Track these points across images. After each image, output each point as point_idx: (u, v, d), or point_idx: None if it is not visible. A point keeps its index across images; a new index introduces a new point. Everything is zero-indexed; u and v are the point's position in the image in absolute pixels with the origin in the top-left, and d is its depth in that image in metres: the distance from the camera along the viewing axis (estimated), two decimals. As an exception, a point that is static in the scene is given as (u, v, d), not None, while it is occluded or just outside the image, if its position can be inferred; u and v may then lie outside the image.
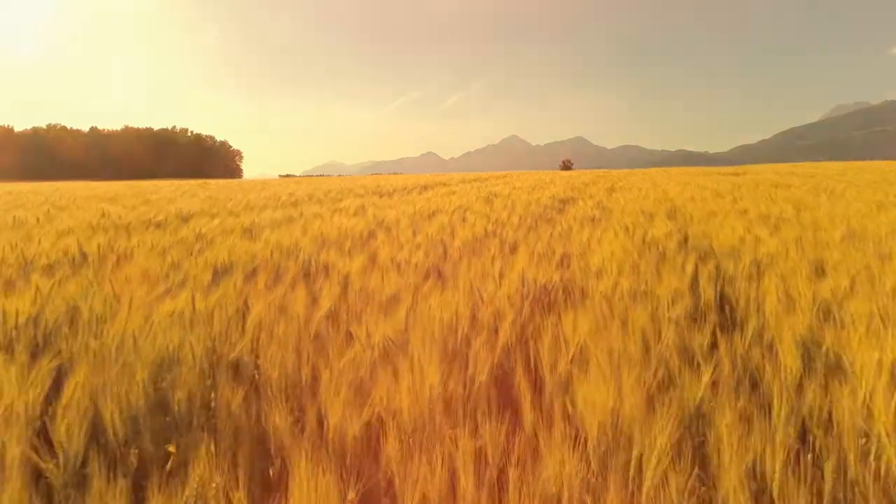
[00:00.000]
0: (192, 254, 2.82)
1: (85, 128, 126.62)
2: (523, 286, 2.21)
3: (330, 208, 5.46)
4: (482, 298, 1.93)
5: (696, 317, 1.92)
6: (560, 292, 2.29)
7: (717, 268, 2.43)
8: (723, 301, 2.06)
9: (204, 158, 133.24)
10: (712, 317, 1.83)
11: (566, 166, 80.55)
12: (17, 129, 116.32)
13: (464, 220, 4.44)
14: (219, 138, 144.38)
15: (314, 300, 1.97)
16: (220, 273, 2.54)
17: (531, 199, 6.51)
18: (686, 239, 3.35)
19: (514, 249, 3.26)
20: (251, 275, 2.47)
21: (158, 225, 4.21)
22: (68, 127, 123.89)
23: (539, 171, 44.67)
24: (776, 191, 7.02)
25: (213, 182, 21.64)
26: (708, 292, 1.99)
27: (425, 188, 9.84)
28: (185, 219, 4.56)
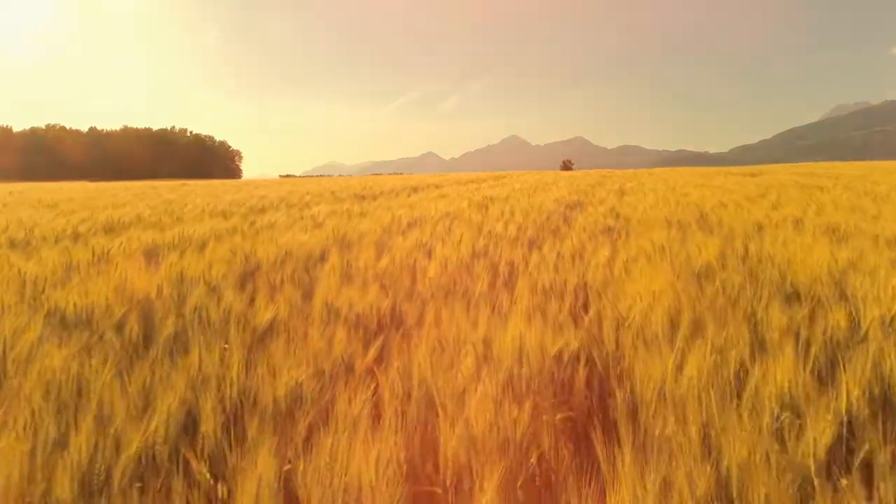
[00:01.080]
0: (40, 293, 1.95)
1: (84, 128, 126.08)
2: (522, 363, 1.33)
3: (294, 216, 4.60)
4: (446, 411, 1.06)
5: (851, 457, 1.04)
6: (583, 373, 1.41)
7: (826, 324, 1.55)
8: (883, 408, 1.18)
9: (203, 158, 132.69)
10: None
11: (567, 166, 79.62)
12: (17, 129, 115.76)
13: (449, 232, 3.57)
14: (218, 138, 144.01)
15: (146, 405, 1.11)
16: (54, 328, 1.67)
17: (532, 205, 5.64)
18: (743, 262, 2.48)
19: (509, 281, 2.39)
20: (97, 339, 1.60)
21: (59, 240, 3.36)
22: (67, 127, 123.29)
23: (540, 171, 43.79)
24: (813, 193, 6.15)
25: (193, 182, 20.75)
26: (851, 391, 1.12)
27: (415, 190, 8.95)
28: (105, 231, 3.71)
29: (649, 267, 2.32)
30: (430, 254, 2.72)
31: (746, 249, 2.71)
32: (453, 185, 10.56)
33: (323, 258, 2.76)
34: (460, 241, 3.14)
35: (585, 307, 2.10)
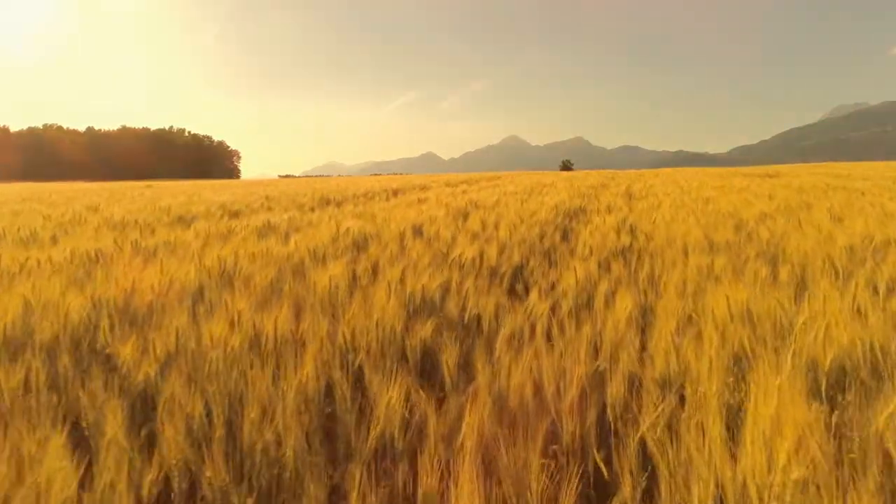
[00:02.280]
0: None
1: (83, 128, 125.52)
2: None
3: (214, 231, 3.52)
4: None
5: None
6: None
7: None
8: None
9: (202, 158, 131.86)
10: None
11: (566, 167, 78.47)
12: (15, 129, 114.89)
13: (397, 259, 2.50)
14: (217, 138, 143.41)
15: None
16: None
17: (524, 213, 4.57)
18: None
19: (458, 384, 1.31)
20: None
21: None
22: (65, 127, 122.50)
23: (538, 171, 42.64)
24: (863, 199, 5.08)
25: (159, 184, 19.56)
26: None
27: (395, 193, 7.83)
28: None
29: (723, 349, 1.24)
30: (335, 317, 1.65)
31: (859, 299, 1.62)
32: (441, 187, 9.44)
33: (164, 312, 1.68)
34: (402, 275, 2.06)
35: (607, 456, 1.03)
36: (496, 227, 3.78)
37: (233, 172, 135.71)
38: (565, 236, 3.63)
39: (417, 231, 3.53)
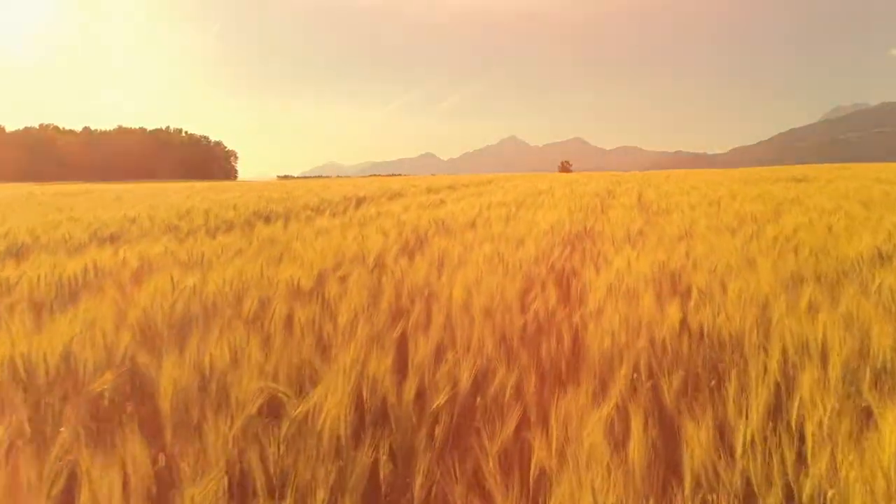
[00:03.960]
0: None
1: (80, 128, 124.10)
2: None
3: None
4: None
5: None
6: None
7: None
8: None
9: (199, 159, 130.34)
10: None
11: (565, 168, 76.98)
12: (11, 129, 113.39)
13: (196, 400, 1.08)
14: (214, 139, 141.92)
15: None
16: None
17: (506, 242, 3.13)
18: None
19: None
20: None
21: None
22: (61, 127, 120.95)
23: (536, 173, 41.12)
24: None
25: (104, 187, 18.14)
26: None
27: (357, 204, 6.35)
28: None
29: None
30: None
31: None
32: (418, 195, 7.98)
33: None
34: None
35: None
36: (455, 271, 2.34)
37: (230, 173, 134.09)
38: (566, 294, 2.19)
39: (315, 288, 2.10)
